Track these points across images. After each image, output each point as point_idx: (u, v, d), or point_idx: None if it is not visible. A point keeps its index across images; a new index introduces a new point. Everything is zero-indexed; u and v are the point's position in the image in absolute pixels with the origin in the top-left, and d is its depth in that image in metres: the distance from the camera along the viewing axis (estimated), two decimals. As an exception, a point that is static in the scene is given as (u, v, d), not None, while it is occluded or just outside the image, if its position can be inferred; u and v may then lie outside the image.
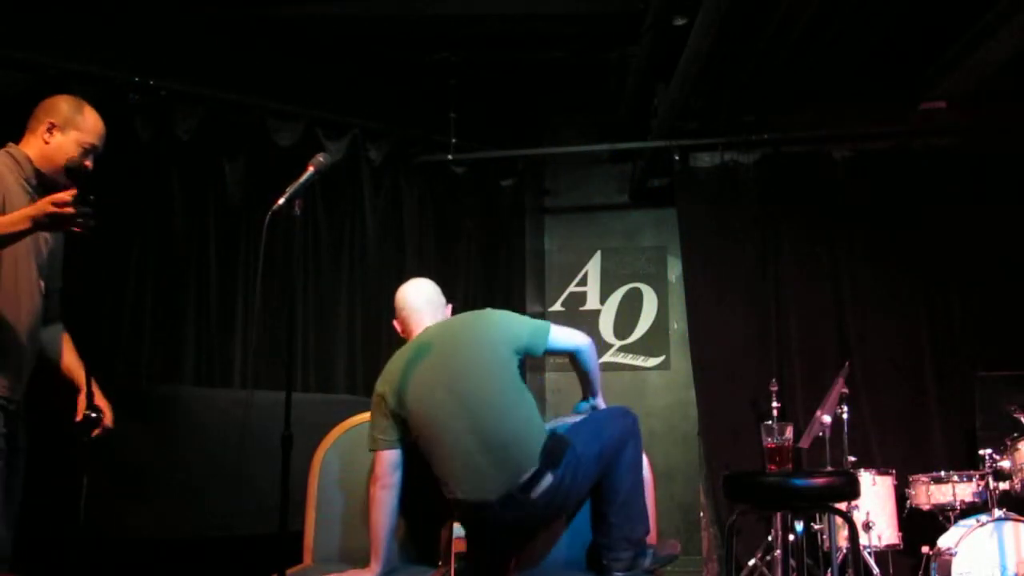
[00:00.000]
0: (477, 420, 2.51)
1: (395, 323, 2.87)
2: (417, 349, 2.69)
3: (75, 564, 2.33)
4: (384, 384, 2.68)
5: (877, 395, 4.81)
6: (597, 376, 2.84)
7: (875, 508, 4.12)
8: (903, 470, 4.35)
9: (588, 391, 2.88)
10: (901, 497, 4.29)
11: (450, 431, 2.53)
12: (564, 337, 2.72)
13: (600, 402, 2.88)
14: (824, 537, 4.15)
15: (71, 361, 2.49)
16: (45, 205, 2.09)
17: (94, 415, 2.24)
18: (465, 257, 5.38)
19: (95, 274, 3.83)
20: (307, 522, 2.89)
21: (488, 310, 2.82)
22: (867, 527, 4.06)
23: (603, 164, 5.89)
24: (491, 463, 2.47)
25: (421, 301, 2.82)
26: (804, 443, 4.05)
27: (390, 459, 2.62)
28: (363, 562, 2.60)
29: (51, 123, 2.46)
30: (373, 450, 2.65)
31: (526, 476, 2.43)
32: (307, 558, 2.87)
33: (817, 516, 4.15)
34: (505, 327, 2.70)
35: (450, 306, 2.88)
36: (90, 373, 2.30)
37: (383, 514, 2.60)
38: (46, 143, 2.44)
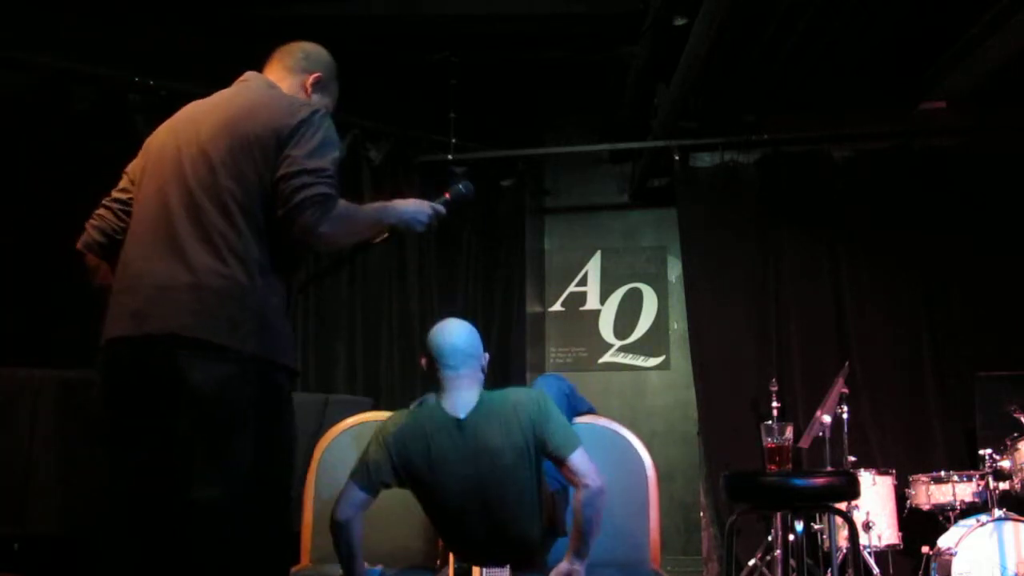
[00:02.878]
0: (493, 523, 2.48)
1: (422, 360, 2.60)
2: (448, 427, 2.48)
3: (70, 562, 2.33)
4: (396, 439, 2.50)
5: (877, 395, 4.81)
6: (594, 533, 2.43)
7: (875, 508, 4.12)
8: (903, 470, 4.35)
9: (573, 547, 2.46)
10: (901, 497, 4.29)
11: (461, 524, 2.52)
12: (584, 463, 2.43)
13: (579, 568, 2.46)
14: (824, 537, 4.15)
15: None
16: (425, 206, 2.11)
17: None
18: (465, 257, 5.38)
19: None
20: (305, 522, 2.89)
21: (533, 400, 2.51)
22: (867, 527, 4.06)
23: (603, 164, 5.89)
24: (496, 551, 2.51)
25: (457, 355, 2.51)
26: (804, 443, 4.05)
27: (360, 498, 2.47)
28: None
29: (319, 77, 2.12)
30: (351, 478, 2.50)
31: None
32: (305, 558, 2.87)
33: (817, 516, 4.15)
34: (539, 428, 2.46)
35: (487, 356, 2.61)
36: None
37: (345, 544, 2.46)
38: (308, 97, 2.10)
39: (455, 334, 2.55)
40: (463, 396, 2.50)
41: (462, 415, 2.47)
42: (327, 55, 2.18)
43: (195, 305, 1.75)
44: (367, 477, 2.47)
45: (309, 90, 2.11)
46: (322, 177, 1.83)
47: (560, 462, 2.44)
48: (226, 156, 1.85)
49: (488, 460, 2.44)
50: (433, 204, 2.19)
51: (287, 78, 2.10)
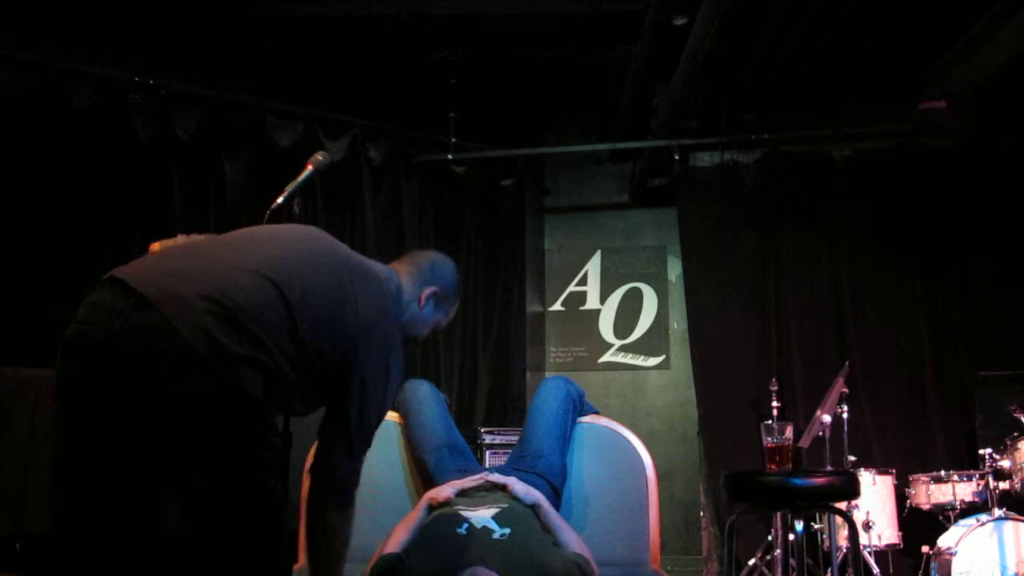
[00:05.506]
0: None
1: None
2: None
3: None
4: None
5: (877, 395, 4.82)
6: None
7: (875, 508, 4.12)
8: (903, 470, 4.35)
9: None
10: (901, 497, 4.29)
11: None
12: None
13: None
14: (824, 537, 4.15)
15: None
16: None
17: None
18: (465, 257, 5.37)
19: (95, 273, 3.83)
20: (302, 521, 2.88)
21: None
22: (867, 527, 4.06)
23: (603, 164, 5.90)
24: None
25: None
26: (804, 443, 4.04)
27: None
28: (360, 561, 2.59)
29: (435, 291, 2.13)
30: None
31: None
32: (302, 558, 2.86)
33: (817, 516, 4.15)
34: None
35: None
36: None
37: None
38: (420, 308, 2.12)
39: None
40: None
41: None
42: (452, 272, 2.20)
43: (204, 317, 1.64)
44: None
45: (423, 301, 2.11)
46: (360, 461, 1.90)
47: None
48: (322, 288, 1.90)
49: None
50: None
51: (409, 283, 2.10)
